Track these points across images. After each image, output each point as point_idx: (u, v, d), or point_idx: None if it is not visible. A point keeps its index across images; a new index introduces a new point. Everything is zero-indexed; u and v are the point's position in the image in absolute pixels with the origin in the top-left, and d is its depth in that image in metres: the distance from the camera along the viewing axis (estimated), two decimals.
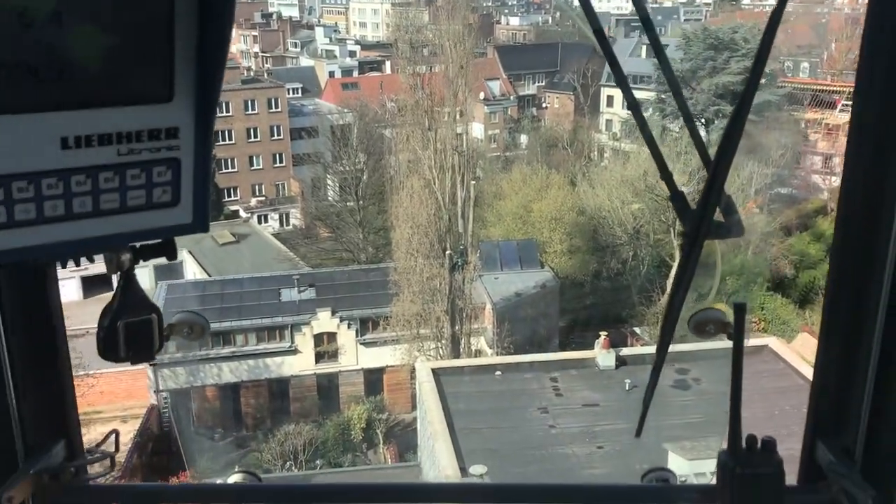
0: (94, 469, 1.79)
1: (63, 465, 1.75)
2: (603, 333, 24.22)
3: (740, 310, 1.55)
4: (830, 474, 1.68)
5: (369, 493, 2.34)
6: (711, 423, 17.59)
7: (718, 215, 1.39)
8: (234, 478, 2.06)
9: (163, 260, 1.41)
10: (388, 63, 65.31)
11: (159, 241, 1.36)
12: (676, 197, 1.41)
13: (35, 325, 1.70)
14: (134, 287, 1.43)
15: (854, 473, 1.64)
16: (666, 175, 1.43)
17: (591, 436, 19.19)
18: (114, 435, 1.78)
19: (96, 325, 1.44)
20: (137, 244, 1.34)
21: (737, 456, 1.59)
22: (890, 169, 1.49)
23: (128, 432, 27.17)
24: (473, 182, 35.30)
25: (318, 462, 27.40)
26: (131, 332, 1.43)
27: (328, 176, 51.01)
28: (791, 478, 1.76)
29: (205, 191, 1.32)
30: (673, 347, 1.68)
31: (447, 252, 32.09)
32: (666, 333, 1.64)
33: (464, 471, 17.40)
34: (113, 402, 29.02)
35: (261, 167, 57.41)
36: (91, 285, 35.58)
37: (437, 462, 18.94)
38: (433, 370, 22.93)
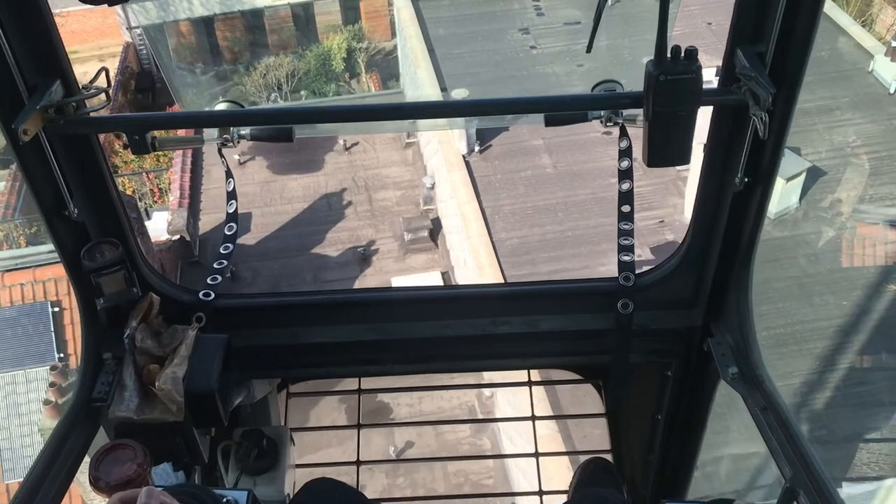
0: (92, 103, 2.00)
1: (64, 101, 1.94)
2: None
3: None
4: (742, 77, 1.84)
5: (352, 113, 2.51)
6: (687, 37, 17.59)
7: None
8: (220, 107, 2.21)
9: None
10: None
11: None
12: None
13: None
14: None
15: (762, 75, 1.79)
16: None
17: (572, 55, 19.30)
18: (104, 72, 1.94)
19: None
20: None
21: (661, 65, 1.75)
22: None
23: None
24: None
25: (302, 92, 27.80)
26: None
27: None
28: None
29: None
30: None
31: None
32: None
33: (446, 93, 17.81)
34: (86, 41, 28.40)
35: None
36: None
37: (420, 87, 19.27)
38: None
